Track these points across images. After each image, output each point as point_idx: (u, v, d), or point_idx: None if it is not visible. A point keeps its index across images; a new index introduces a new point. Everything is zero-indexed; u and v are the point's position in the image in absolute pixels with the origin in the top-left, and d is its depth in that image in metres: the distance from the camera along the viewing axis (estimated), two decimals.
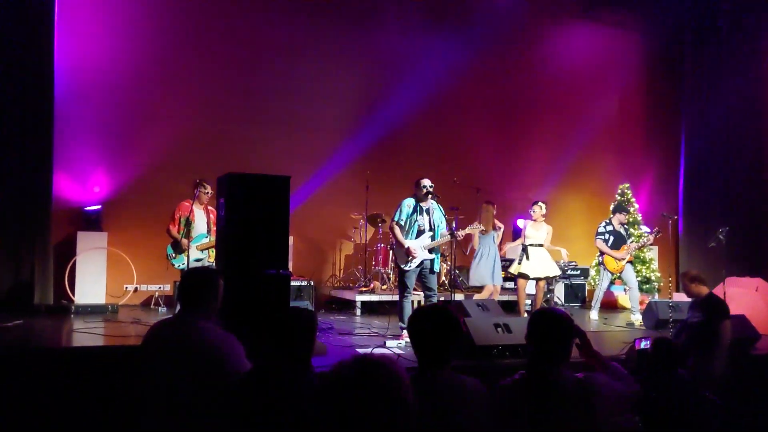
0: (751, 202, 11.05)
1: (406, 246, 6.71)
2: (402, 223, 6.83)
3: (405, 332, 6.52)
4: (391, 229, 6.95)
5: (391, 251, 9.77)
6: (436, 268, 6.92)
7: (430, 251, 6.83)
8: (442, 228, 6.99)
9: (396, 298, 7.24)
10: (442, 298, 7.81)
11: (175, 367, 3.03)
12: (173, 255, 7.66)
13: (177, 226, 7.64)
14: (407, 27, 10.95)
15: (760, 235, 11.04)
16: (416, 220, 6.83)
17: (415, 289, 7.13)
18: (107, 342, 6.13)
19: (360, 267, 10.11)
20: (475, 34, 11.36)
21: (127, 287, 9.18)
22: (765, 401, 5.71)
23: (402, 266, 6.76)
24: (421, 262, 6.77)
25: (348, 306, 9.56)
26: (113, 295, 8.94)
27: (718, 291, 8.11)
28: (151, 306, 8.99)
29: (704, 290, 6.07)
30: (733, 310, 7.54)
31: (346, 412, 1.65)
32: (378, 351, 5.73)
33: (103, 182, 9.24)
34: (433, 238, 6.85)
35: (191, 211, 7.57)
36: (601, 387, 2.69)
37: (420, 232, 6.81)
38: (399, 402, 1.68)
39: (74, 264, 8.61)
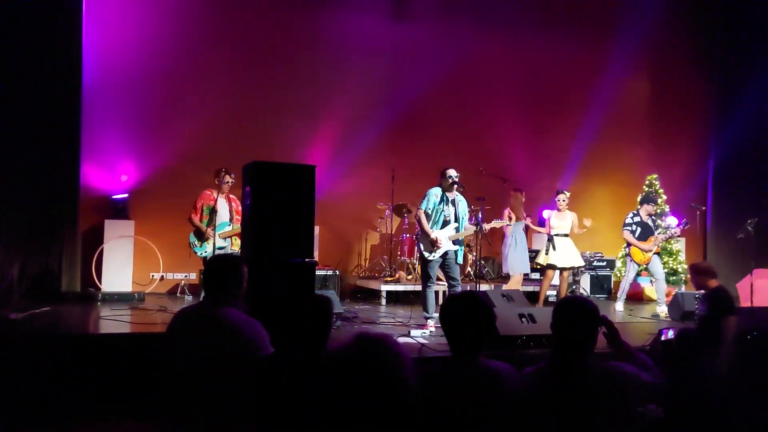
0: None
1: (433, 235, 6.69)
2: (429, 212, 6.81)
3: (429, 322, 6.53)
4: (418, 217, 6.93)
5: (416, 240, 9.75)
6: (459, 259, 6.89)
7: (455, 242, 6.80)
8: (467, 220, 6.96)
9: (420, 287, 7.22)
10: (468, 288, 7.78)
11: (201, 352, 3.04)
12: (196, 243, 7.72)
13: (199, 215, 7.69)
14: (433, 14, 10.87)
15: None
16: (442, 210, 6.80)
17: (439, 279, 7.11)
18: (134, 329, 6.19)
19: (385, 257, 10.11)
20: (501, 21, 11.27)
21: (153, 275, 9.29)
22: None
23: (426, 255, 6.73)
24: (445, 253, 6.75)
25: (373, 295, 9.57)
26: (140, 283, 9.06)
27: (745, 282, 8.01)
28: (177, 294, 9.09)
29: (712, 283, 5.88)
30: (762, 302, 7.47)
31: (346, 387, 1.67)
32: (402, 340, 5.73)
33: (130, 171, 9.35)
34: (458, 229, 6.81)
35: (214, 199, 7.62)
36: (627, 377, 2.66)
37: (445, 223, 6.78)
38: (396, 378, 1.70)
39: (101, 252, 8.73)
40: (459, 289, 6.80)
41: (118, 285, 8.61)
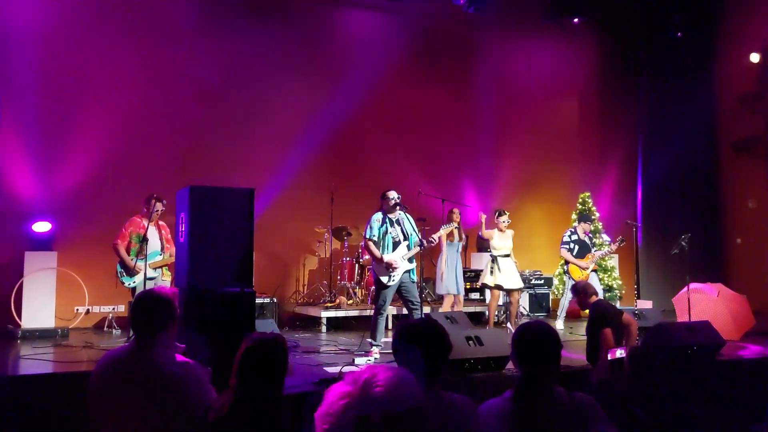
0: (708, 208, 11.27)
1: (386, 259, 6.54)
2: (375, 239, 6.68)
3: (374, 349, 6.38)
4: (366, 247, 6.80)
5: (356, 265, 9.58)
6: (414, 277, 6.77)
7: (410, 260, 6.70)
8: (417, 236, 6.85)
9: (362, 313, 7.05)
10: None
11: (133, 403, 2.74)
12: (124, 273, 7.30)
13: (126, 242, 7.27)
14: (368, 37, 10.83)
15: (717, 241, 11.24)
16: (388, 233, 6.69)
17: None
18: (57, 369, 5.82)
19: (325, 282, 9.86)
20: (436, 46, 11.35)
21: (78, 309, 8.75)
22: (732, 407, 5.70)
23: (385, 281, 6.57)
24: (402, 275, 6.62)
25: (313, 323, 9.29)
26: (63, 318, 8.50)
27: (682, 296, 8.15)
28: (104, 329, 8.57)
29: (593, 299, 6.03)
30: (696, 316, 7.62)
31: None
32: (347, 369, 5.52)
33: (51, 199, 8.79)
34: (409, 246, 6.71)
35: (144, 227, 7.23)
36: (597, 411, 2.54)
37: (396, 244, 6.69)
38: None
39: (21, 286, 8.16)
40: (419, 311, 6.67)
41: (40, 321, 8.03)
